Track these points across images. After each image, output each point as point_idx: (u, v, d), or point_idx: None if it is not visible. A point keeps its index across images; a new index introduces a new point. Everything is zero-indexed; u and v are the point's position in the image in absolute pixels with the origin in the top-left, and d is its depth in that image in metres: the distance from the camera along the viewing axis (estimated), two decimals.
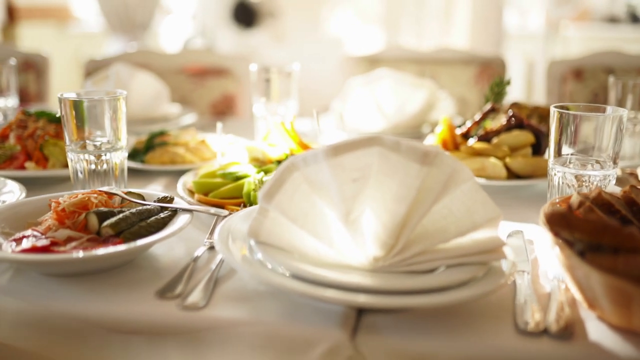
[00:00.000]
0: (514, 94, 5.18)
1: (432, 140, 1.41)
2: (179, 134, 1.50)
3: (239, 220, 0.91)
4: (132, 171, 1.40)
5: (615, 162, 0.99)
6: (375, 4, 5.29)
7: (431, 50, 2.51)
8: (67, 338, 0.76)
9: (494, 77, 2.43)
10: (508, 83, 1.43)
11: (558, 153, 1.01)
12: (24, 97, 2.48)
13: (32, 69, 2.57)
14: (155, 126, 1.81)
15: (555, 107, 0.99)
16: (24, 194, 1.10)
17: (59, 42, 5.44)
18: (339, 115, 1.85)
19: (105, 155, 1.09)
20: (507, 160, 1.29)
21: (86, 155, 1.08)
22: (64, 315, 0.76)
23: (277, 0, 5.29)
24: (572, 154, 1.00)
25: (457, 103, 2.39)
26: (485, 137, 1.36)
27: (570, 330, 0.71)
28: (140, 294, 0.80)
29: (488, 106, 1.39)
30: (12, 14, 5.70)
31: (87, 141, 1.09)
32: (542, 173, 1.27)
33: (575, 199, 0.86)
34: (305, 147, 1.23)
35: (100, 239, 0.88)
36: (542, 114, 1.79)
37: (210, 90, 2.43)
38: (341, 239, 0.81)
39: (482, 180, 1.24)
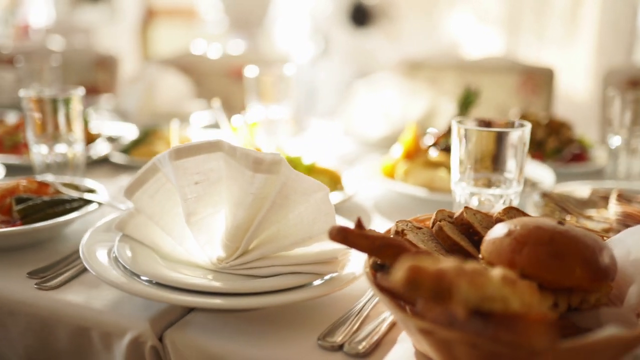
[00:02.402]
0: None
1: (399, 148, 1.38)
2: (169, 132, 1.60)
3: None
4: (120, 164, 1.53)
5: (518, 180, 0.93)
6: (495, 4, 5.05)
7: (473, 58, 2.42)
8: None
9: (539, 87, 2.30)
10: (477, 94, 1.36)
11: (461, 170, 0.96)
12: (92, 90, 2.75)
13: (105, 67, 2.85)
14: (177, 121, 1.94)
15: (456, 121, 0.95)
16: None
17: (183, 41, 5.86)
18: (345, 119, 1.86)
19: (60, 148, 1.22)
20: None
21: (42, 148, 1.21)
22: None
23: (393, 1, 5.26)
24: (475, 171, 0.95)
25: (496, 111, 2.29)
26: (449, 149, 1.31)
27: (367, 351, 0.70)
28: (21, 273, 0.89)
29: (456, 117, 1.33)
30: (150, 14, 6.31)
31: (55, 135, 1.22)
32: None
33: (433, 217, 0.82)
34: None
35: (12, 221, 0.99)
36: (554, 127, 1.67)
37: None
38: (189, 238, 0.85)
39: (425, 192, 1.21)
